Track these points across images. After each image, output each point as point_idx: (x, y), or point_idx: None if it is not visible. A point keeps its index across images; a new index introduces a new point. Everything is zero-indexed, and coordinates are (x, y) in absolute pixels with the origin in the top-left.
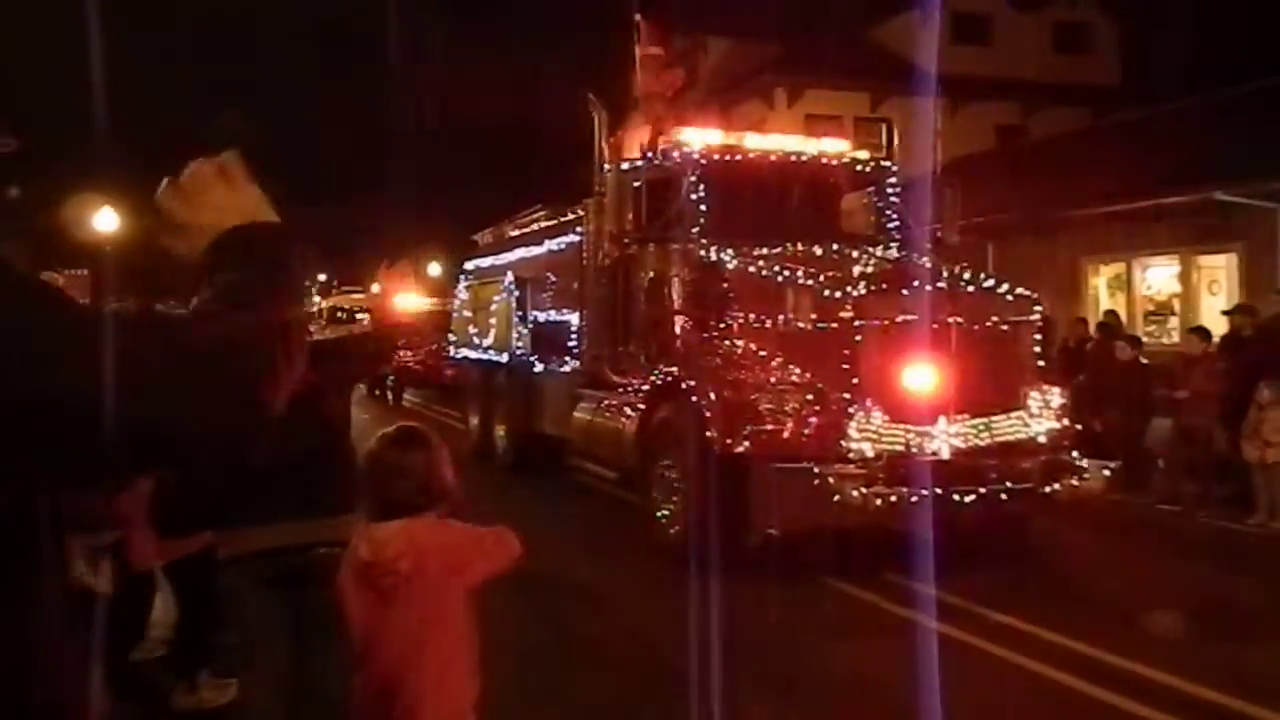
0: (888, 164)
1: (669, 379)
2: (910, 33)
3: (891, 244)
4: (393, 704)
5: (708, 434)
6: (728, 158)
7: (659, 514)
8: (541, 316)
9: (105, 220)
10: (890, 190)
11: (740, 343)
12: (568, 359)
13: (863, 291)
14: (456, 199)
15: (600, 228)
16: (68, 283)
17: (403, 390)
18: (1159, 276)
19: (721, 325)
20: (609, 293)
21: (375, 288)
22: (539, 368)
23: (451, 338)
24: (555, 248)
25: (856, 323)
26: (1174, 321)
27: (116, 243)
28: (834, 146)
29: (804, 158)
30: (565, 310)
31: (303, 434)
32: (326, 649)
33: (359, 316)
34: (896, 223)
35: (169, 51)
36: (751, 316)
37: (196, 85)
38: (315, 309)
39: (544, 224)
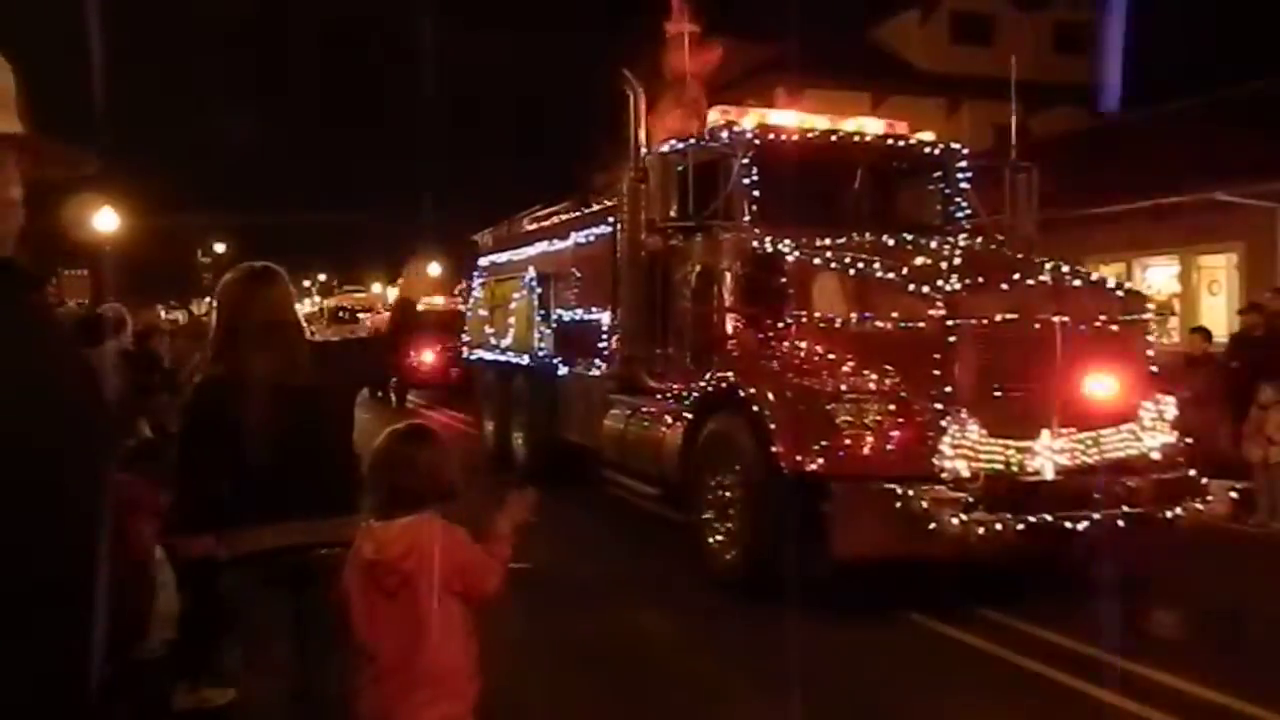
0: (957, 147)
1: (722, 385)
2: (910, 32)
3: (961, 235)
4: (394, 702)
5: (773, 449)
6: (783, 138)
7: (712, 539)
8: (566, 315)
9: (105, 220)
10: (960, 176)
11: (803, 344)
12: (596, 361)
13: (957, 286)
14: (457, 199)
15: (636, 217)
16: (68, 283)
17: (406, 392)
18: (1159, 276)
19: (780, 324)
20: (647, 288)
21: (377, 287)
22: (563, 370)
23: (465, 337)
24: (582, 240)
25: (950, 322)
26: (1174, 321)
27: (116, 243)
28: (894, 128)
29: (867, 139)
30: (594, 308)
31: (305, 434)
32: (327, 651)
33: (361, 316)
34: (967, 211)
35: (169, 51)
36: (816, 314)
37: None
38: (317, 309)
39: (570, 215)
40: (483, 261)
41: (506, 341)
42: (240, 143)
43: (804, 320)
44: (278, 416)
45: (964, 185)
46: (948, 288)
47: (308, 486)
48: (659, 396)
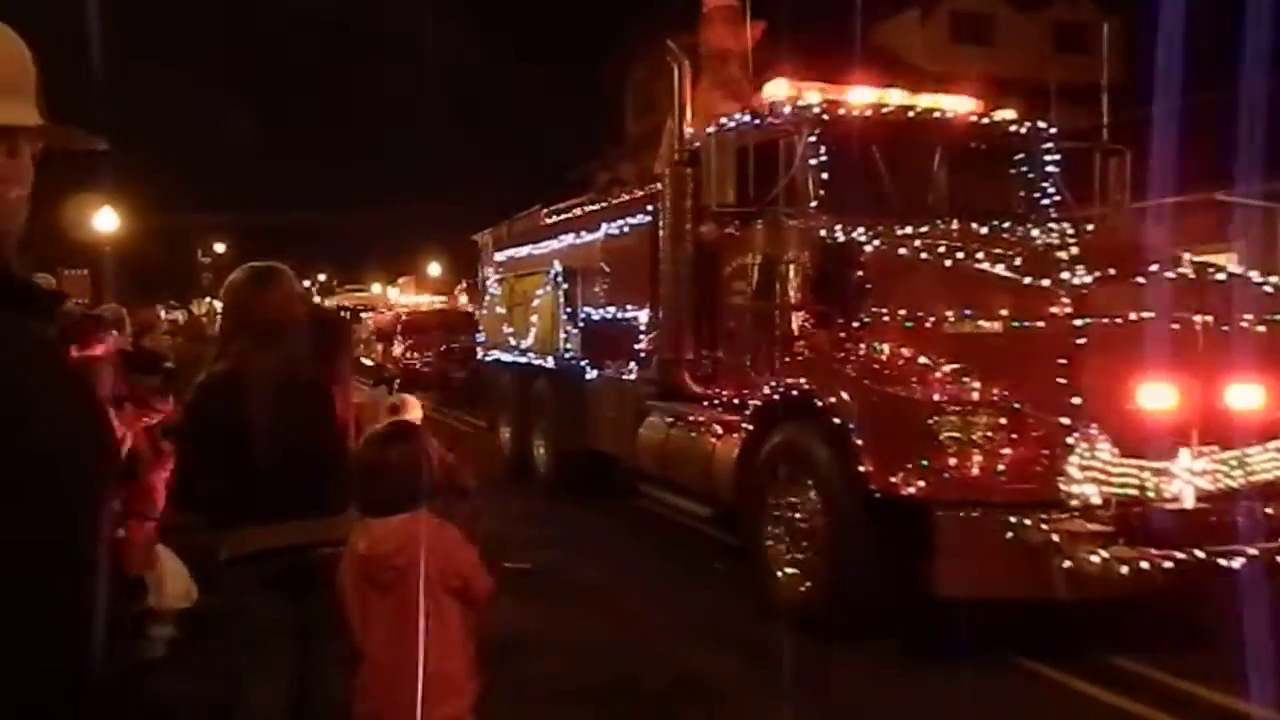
0: (1044, 126)
1: (792, 392)
2: (910, 32)
3: (1050, 224)
4: (391, 701)
5: (860, 467)
6: (855, 114)
7: (781, 570)
8: (595, 313)
9: (105, 220)
10: (1047, 158)
11: (885, 347)
12: (630, 364)
13: (1087, 279)
14: (456, 198)
15: (680, 204)
16: (68, 283)
17: (409, 393)
18: None
19: (856, 323)
20: (692, 284)
21: (377, 287)
22: (591, 374)
23: (480, 337)
24: (614, 232)
25: (1078, 321)
26: None
27: (116, 243)
28: (967, 105)
29: (946, 116)
30: (628, 306)
31: (306, 433)
32: (328, 651)
33: (364, 316)
34: (1055, 198)
35: (170, 51)
36: (901, 312)
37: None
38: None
39: (600, 206)
40: (499, 257)
41: (527, 342)
42: (240, 142)
43: (886, 319)
44: (279, 416)
45: (1051, 169)
46: (1075, 280)
47: (309, 486)
48: (705, 404)
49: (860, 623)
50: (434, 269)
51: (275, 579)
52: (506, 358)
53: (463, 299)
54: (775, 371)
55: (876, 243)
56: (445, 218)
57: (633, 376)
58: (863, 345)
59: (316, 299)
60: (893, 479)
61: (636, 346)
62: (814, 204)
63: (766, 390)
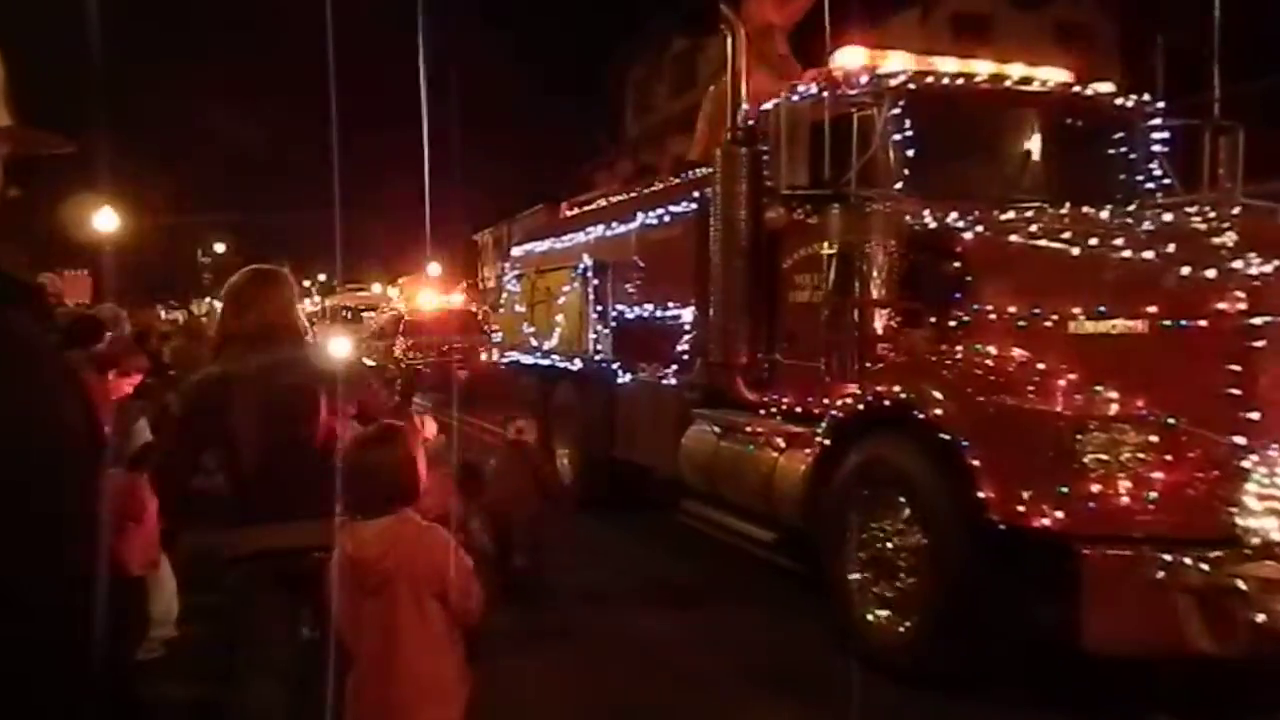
0: (1148, 99)
1: (882, 401)
2: (910, 32)
3: (1171, 208)
4: (381, 706)
5: (979, 493)
6: (943, 84)
7: (871, 612)
8: (629, 311)
9: (105, 220)
10: (1155, 136)
11: (994, 349)
12: (670, 367)
13: (1266, 269)
14: (456, 198)
15: (734, 188)
16: (68, 283)
17: (411, 394)
18: None
19: (954, 322)
20: (748, 277)
21: (377, 287)
22: (624, 377)
23: (496, 336)
24: (653, 222)
25: (1254, 319)
26: None
27: (116, 243)
28: (1060, 75)
29: (1045, 88)
30: (669, 302)
31: (301, 435)
32: (325, 653)
33: (365, 316)
34: (1163, 180)
35: (169, 51)
36: (1012, 310)
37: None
38: (319, 308)
39: (637, 193)
40: (517, 252)
41: (551, 343)
42: (240, 142)
43: (992, 317)
44: (271, 417)
45: (1158, 148)
46: (1249, 270)
47: (305, 488)
48: (762, 412)
49: (972, 673)
50: (434, 269)
51: (275, 579)
52: (526, 359)
53: (460, 299)
54: (856, 377)
55: (979, 229)
56: (445, 218)
57: (673, 381)
58: (965, 348)
59: (317, 299)
60: (1021, 507)
61: (677, 348)
62: (898, 185)
63: (847, 399)
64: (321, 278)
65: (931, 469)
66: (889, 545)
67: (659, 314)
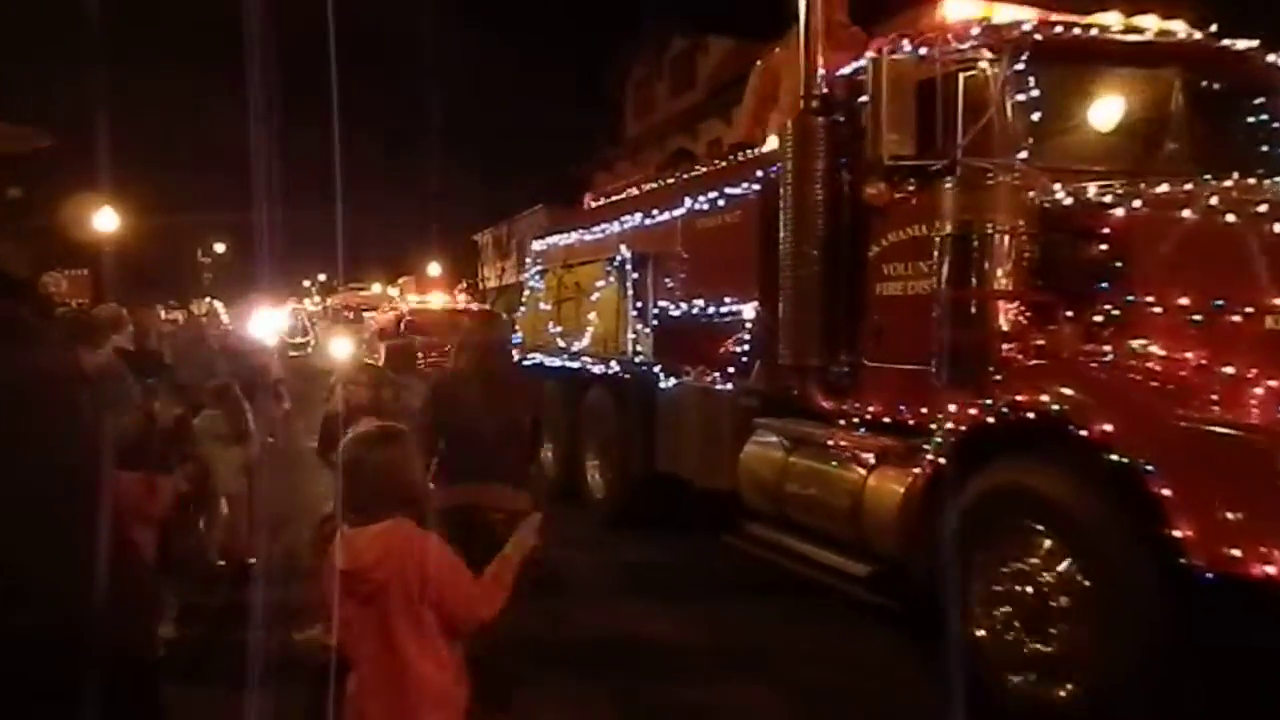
0: None
1: (1023, 413)
2: None
3: None
4: (380, 711)
5: (1174, 531)
6: (1073, 35)
7: (1013, 676)
8: (675, 308)
9: (105, 220)
10: None
11: (1163, 350)
12: (726, 370)
13: None
14: (456, 198)
15: (809, 166)
16: (68, 283)
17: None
18: None
19: (1101, 317)
20: (826, 266)
21: (377, 287)
22: (668, 382)
23: (517, 337)
24: (704, 207)
25: None
26: None
27: (116, 243)
28: (1192, 31)
29: (1187, 43)
30: (724, 297)
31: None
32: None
33: (366, 315)
34: None
35: (169, 51)
36: (1183, 302)
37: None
38: (320, 308)
39: (684, 177)
40: (538, 246)
41: (581, 343)
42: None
43: (1156, 310)
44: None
45: None
46: None
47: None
48: (843, 422)
49: None
50: (434, 269)
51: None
52: (551, 361)
53: (461, 299)
54: (978, 383)
55: (1135, 204)
56: (445, 218)
57: (728, 386)
58: (1122, 348)
59: (316, 299)
60: (1234, 551)
61: (733, 348)
62: (1021, 154)
63: (970, 410)
64: (321, 278)
65: (1097, 499)
66: (1030, 590)
67: (710, 310)
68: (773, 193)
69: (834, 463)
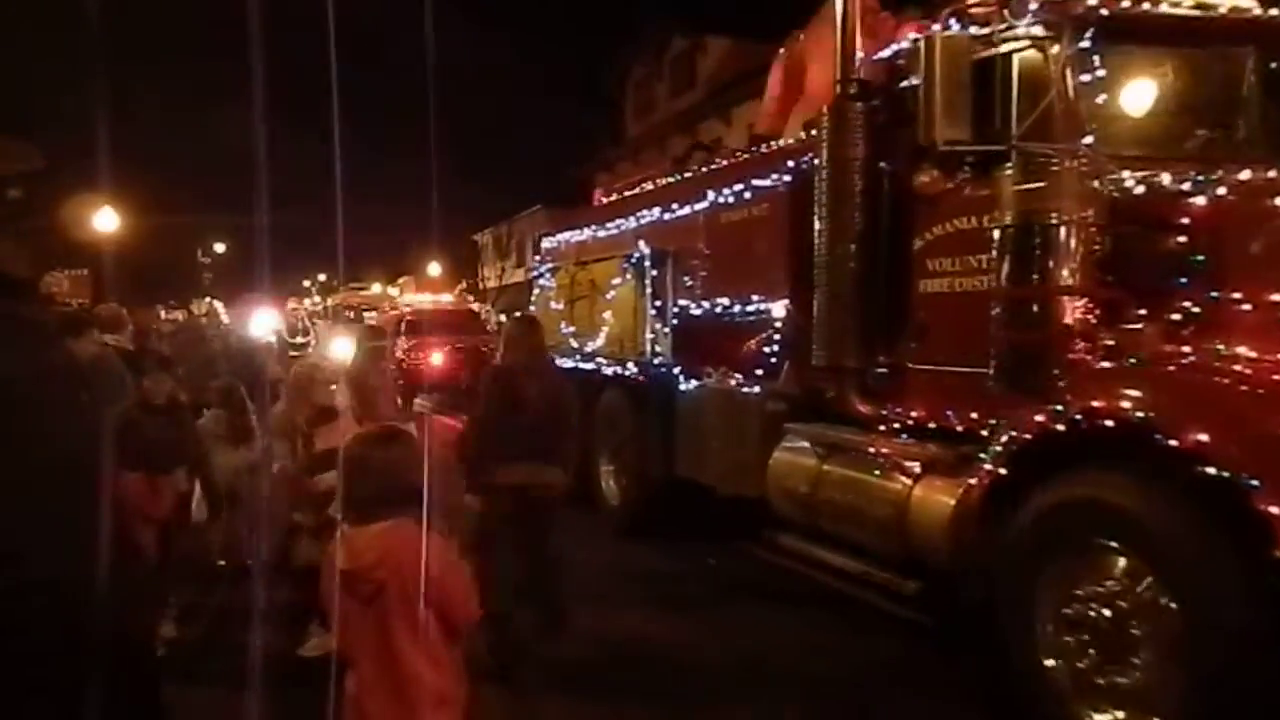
0: None
1: (1098, 420)
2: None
3: None
4: (380, 707)
5: None
6: (1142, 9)
7: (1093, 712)
8: (697, 306)
9: (105, 220)
10: None
11: (1258, 354)
12: (752, 371)
13: None
14: (455, 198)
15: (847, 155)
16: (70, 283)
17: (413, 395)
18: None
19: (1180, 315)
20: (865, 260)
21: (377, 287)
22: (689, 384)
23: None
24: (729, 200)
25: None
26: None
27: (116, 243)
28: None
29: (1267, 18)
30: (751, 294)
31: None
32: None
33: (367, 315)
34: None
35: (168, 51)
36: (1276, 298)
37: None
38: (321, 308)
39: (707, 169)
40: (548, 243)
41: (595, 344)
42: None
43: (1246, 308)
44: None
45: None
46: None
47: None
48: (882, 428)
49: None
50: (434, 269)
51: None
52: (563, 362)
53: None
54: (1043, 387)
55: (1220, 191)
56: (445, 218)
57: (755, 389)
58: (1207, 350)
59: (316, 299)
60: None
61: (760, 349)
62: (1086, 139)
63: (1037, 416)
64: (322, 278)
65: (1188, 516)
66: (1107, 614)
67: (735, 309)
68: (805, 184)
69: (875, 471)
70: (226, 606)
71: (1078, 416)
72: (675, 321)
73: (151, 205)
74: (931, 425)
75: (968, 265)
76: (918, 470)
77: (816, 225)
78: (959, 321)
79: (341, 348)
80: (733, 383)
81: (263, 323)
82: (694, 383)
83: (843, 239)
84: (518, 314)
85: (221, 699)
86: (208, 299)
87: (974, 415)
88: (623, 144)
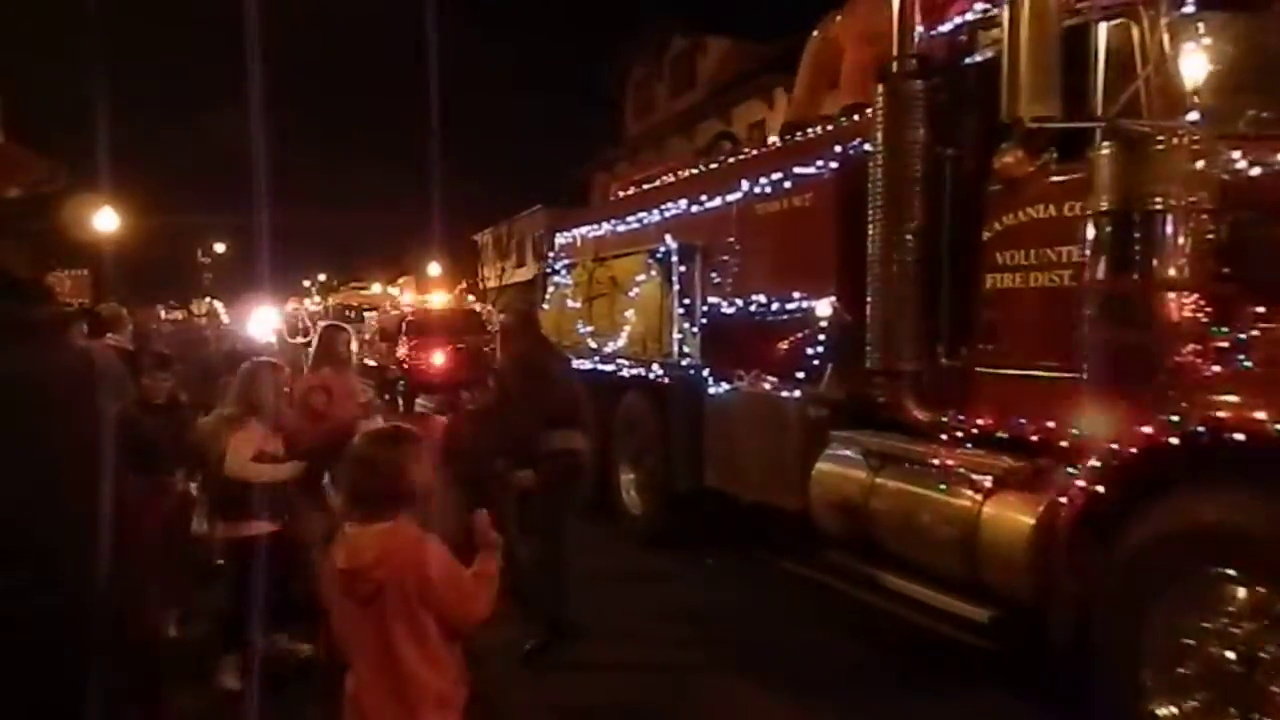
0: None
1: (1223, 432)
2: None
3: None
4: (379, 708)
5: None
6: None
7: None
8: (729, 304)
9: (105, 220)
10: None
11: None
12: (792, 373)
13: None
14: (456, 198)
15: (907, 139)
16: (71, 282)
17: (415, 396)
18: None
19: None
20: (925, 251)
21: (377, 287)
22: (720, 386)
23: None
24: (765, 190)
25: None
26: None
27: (116, 243)
28: None
29: None
30: (792, 290)
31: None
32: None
33: (368, 315)
34: None
35: (168, 52)
36: None
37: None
38: (322, 307)
39: (741, 158)
40: (563, 239)
41: (615, 344)
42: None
43: None
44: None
45: None
46: None
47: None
48: (945, 437)
49: None
50: (434, 269)
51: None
52: (581, 364)
53: (469, 298)
54: (1147, 394)
55: None
56: (445, 218)
57: (795, 393)
58: None
59: (316, 299)
60: None
61: (800, 349)
62: (1191, 115)
63: (1143, 426)
64: (321, 277)
65: None
66: (1233, 656)
67: (772, 307)
68: (854, 171)
69: (939, 485)
70: (226, 607)
71: (1199, 428)
72: (704, 320)
73: (151, 205)
74: (1000, 434)
75: (1047, 258)
76: (988, 484)
77: (870, 215)
78: (1035, 320)
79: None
80: (767, 386)
81: (265, 323)
82: (724, 386)
83: (901, 230)
84: (515, 308)
85: (221, 699)
86: (208, 299)
87: (1050, 424)
88: (623, 144)
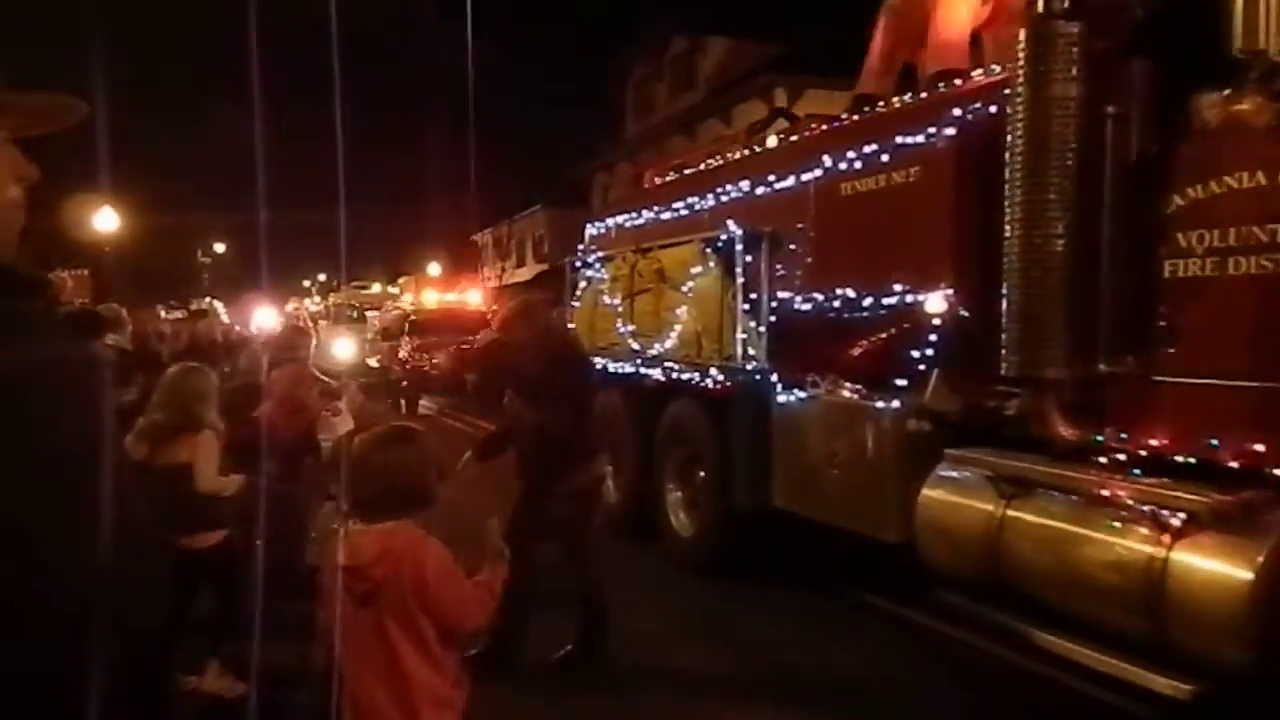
0: None
1: None
2: None
3: None
4: (377, 707)
5: None
6: None
7: None
8: (804, 299)
9: (105, 220)
10: None
11: None
12: (887, 380)
13: None
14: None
15: (1054, 94)
16: (73, 282)
17: (418, 397)
18: None
19: None
20: (1080, 234)
21: (377, 287)
22: (790, 394)
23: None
24: (854, 167)
25: None
26: None
27: (116, 243)
28: None
29: None
30: (890, 285)
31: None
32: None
33: (369, 315)
34: None
35: (168, 51)
36: None
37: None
38: (322, 307)
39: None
40: (594, 229)
41: (663, 346)
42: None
43: None
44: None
45: None
46: None
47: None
48: (1104, 460)
49: None
50: (434, 269)
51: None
52: (620, 368)
53: (476, 296)
54: None
55: None
56: (445, 218)
57: (892, 403)
58: None
59: (317, 299)
60: None
61: (899, 352)
62: None
63: None
64: (322, 277)
65: None
66: None
67: (859, 302)
68: (979, 139)
69: (1106, 521)
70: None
71: None
72: (773, 318)
73: (151, 205)
74: (1182, 458)
75: (1256, 239)
76: (1175, 523)
77: (1006, 191)
78: (1239, 317)
79: (344, 349)
80: (849, 394)
81: (264, 323)
82: (796, 393)
83: (1048, 209)
84: (517, 306)
85: (223, 699)
86: (208, 299)
87: (1259, 447)
88: (623, 144)
